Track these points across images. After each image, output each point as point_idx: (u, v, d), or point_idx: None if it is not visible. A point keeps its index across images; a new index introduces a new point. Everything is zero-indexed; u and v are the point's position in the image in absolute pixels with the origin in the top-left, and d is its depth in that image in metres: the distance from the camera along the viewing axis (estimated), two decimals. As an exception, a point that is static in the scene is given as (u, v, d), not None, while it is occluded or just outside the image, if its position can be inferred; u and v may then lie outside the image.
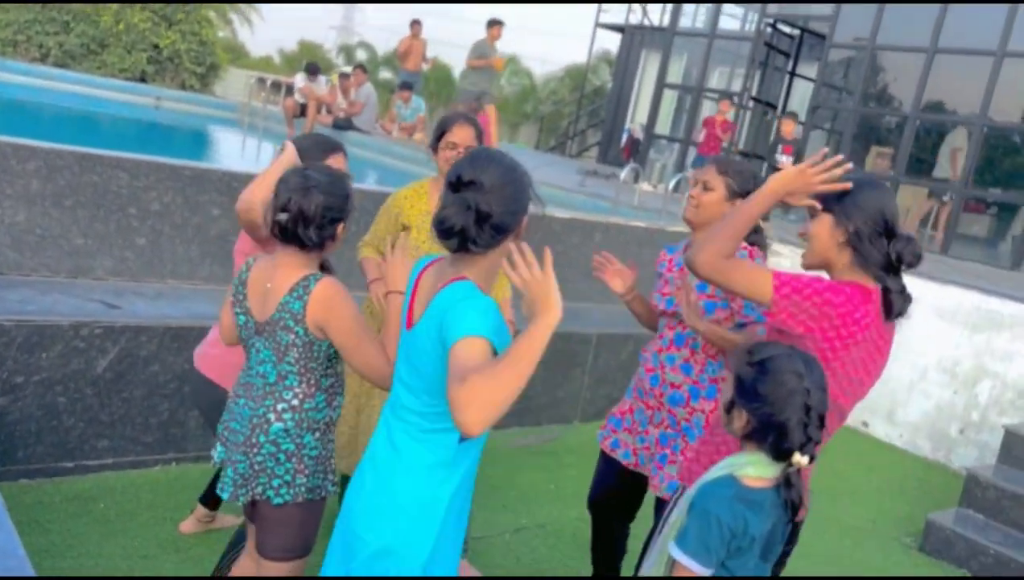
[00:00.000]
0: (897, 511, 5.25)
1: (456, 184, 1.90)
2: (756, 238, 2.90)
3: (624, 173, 8.94)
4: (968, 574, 4.53)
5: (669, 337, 2.93)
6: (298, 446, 2.27)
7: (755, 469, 1.94)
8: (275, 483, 2.25)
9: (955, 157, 9.98)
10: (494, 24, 11.04)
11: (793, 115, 10.26)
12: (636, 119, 17.42)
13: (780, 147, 9.38)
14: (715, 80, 14.83)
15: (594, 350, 5.55)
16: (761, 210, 2.23)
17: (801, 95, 12.75)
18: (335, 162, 2.78)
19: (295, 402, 2.27)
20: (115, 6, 14.25)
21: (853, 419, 6.82)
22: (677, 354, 2.89)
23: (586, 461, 3.66)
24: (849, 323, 2.12)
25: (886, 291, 2.17)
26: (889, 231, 2.20)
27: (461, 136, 3.13)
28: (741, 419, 1.95)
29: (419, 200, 3.27)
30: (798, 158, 9.13)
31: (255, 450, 2.27)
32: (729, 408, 1.98)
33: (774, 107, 13.43)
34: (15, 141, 4.00)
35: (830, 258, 2.24)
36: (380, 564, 1.94)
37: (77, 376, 3.61)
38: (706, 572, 1.90)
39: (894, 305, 2.18)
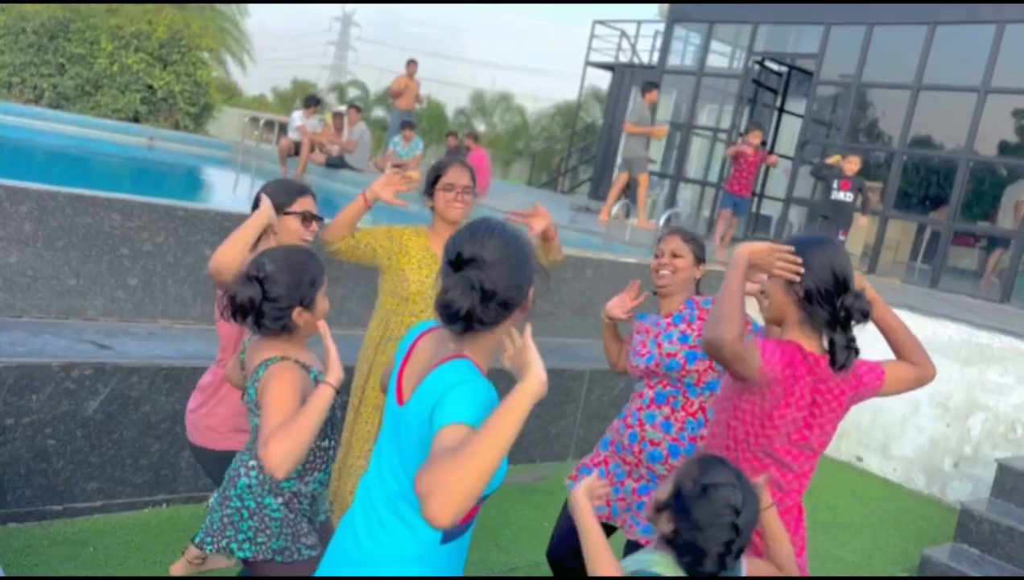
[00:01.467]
0: (893, 546, 5.23)
1: (456, 262, 1.78)
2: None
3: (615, 209, 9.01)
4: None
5: (649, 395, 2.96)
6: (259, 505, 2.28)
7: (663, 569, 1.95)
8: (239, 537, 2.27)
9: (1019, 208, 10.01)
10: (651, 88, 10.66)
11: (856, 153, 9.56)
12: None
13: (837, 182, 9.02)
14: (704, 117, 15.01)
15: (587, 386, 5.55)
16: (742, 281, 2.29)
17: (790, 131, 12.89)
18: (303, 204, 2.83)
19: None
20: (111, 48, 14.37)
21: (847, 454, 6.81)
22: (658, 412, 2.92)
23: (579, 499, 3.64)
24: (784, 381, 2.25)
25: (831, 344, 2.30)
26: (840, 286, 2.30)
27: (457, 177, 3.17)
28: (668, 526, 1.96)
29: (419, 238, 3.32)
30: (856, 196, 9.00)
31: (227, 502, 2.31)
32: (660, 508, 1.99)
33: (764, 144, 13.57)
34: (8, 184, 4.02)
35: (784, 314, 2.36)
36: None
37: (67, 418, 3.60)
38: None
39: (837, 358, 2.29)
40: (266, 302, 2.23)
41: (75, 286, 4.20)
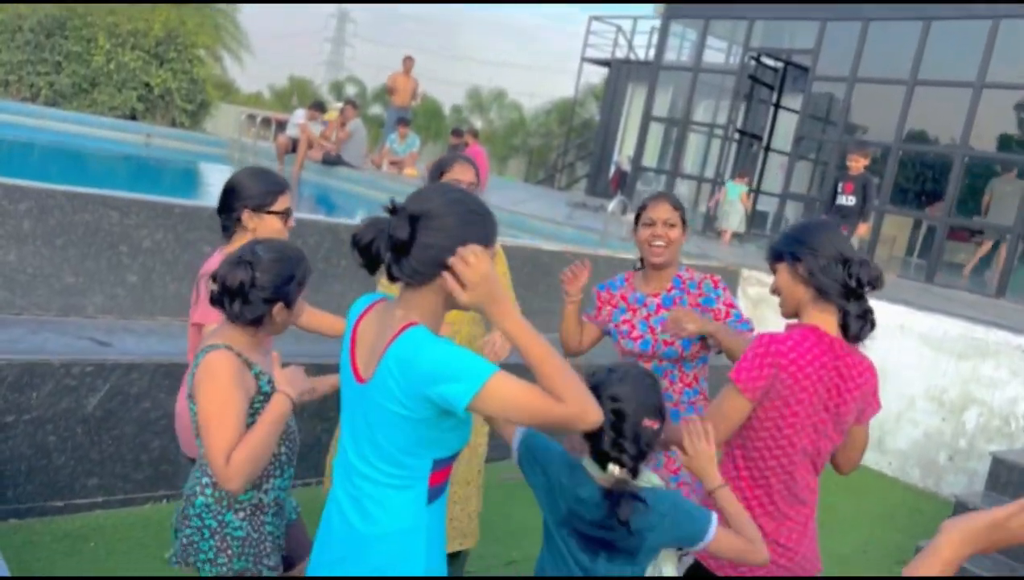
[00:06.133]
0: (888, 539, 5.27)
1: (391, 209, 1.79)
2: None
3: (612, 205, 9.03)
4: None
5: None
6: (220, 523, 2.21)
7: (589, 466, 2.03)
8: (201, 558, 2.20)
9: (987, 203, 9.95)
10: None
11: (863, 145, 8.83)
12: (624, 151, 17.63)
13: (841, 185, 8.26)
14: (701, 113, 15.04)
15: (585, 379, 5.57)
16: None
17: (786, 127, 12.92)
18: (283, 203, 2.75)
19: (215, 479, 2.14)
20: (107, 45, 14.36)
21: (843, 447, 6.84)
22: None
23: (576, 493, 3.66)
24: (798, 367, 2.22)
25: (844, 315, 2.26)
26: (843, 258, 2.27)
27: (462, 173, 3.19)
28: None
29: None
30: (860, 199, 8.12)
31: (186, 523, 2.23)
32: None
33: (759, 139, 13.61)
34: (7, 182, 4.04)
35: (798, 300, 2.33)
36: None
37: (68, 414, 3.62)
38: (514, 454, 2.13)
39: (851, 327, 2.25)
40: (252, 289, 2.15)
41: (74, 284, 4.23)
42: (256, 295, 2.15)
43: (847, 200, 8.22)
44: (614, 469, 1.95)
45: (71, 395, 3.61)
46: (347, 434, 1.89)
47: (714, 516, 2.04)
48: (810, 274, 2.27)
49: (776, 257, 2.36)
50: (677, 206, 3.02)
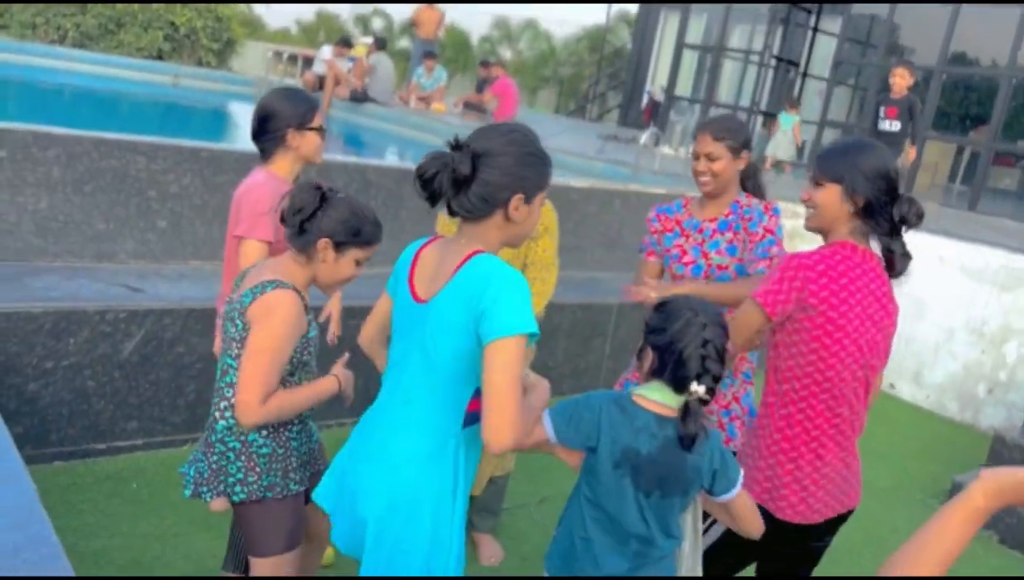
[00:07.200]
0: (923, 472, 5.24)
1: (453, 145, 1.87)
2: (752, 185, 3.02)
3: (644, 137, 8.86)
4: (995, 536, 4.52)
5: None
6: (243, 443, 2.23)
7: (652, 393, 2.03)
8: (230, 481, 2.23)
9: None
10: None
11: (907, 64, 7.98)
12: (656, 81, 17.22)
13: (883, 109, 7.59)
14: (736, 39, 14.60)
15: (615, 319, 5.55)
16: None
17: (824, 51, 12.52)
18: (319, 119, 2.76)
19: (235, 399, 2.16)
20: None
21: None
22: None
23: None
24: (831, 279, 2.20)
25: (889, 252, 2.26)
26: (893, 193, 2.23)
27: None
28: (648, 358, 2.05)
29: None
30: (906, 123, 7.57)
31: (211, 450, 2.26)
32: (640, 354, 2.09)
33: (796, 65, 13.21)
34: (35, 129, 4.04)
35: (835, 219, 2.28)
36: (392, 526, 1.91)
37: (104, 360, 3.68)
38: (551, 433, 2.04)
39: (896, 265, 2.26)
40: (313, 217, 2.17)
41: (105, 230, 4.25)
42: (312, 225, 2.16)
43: (891, 125, 7.69)
44: (698, 388, 1.97)
45: (107, 341, 3.67)
46: (397, 352, 1.99)
47: (742, 472, 2.09)
48: (867, 206, 2.23)
49: (835, 177, 2.26)
50: (720, 136, 2.88)
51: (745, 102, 12.94)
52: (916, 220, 2.23)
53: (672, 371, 1.98)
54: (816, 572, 2.51)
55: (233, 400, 2.19)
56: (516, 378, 1.77)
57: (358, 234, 2.22)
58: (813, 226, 2.34)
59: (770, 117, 12.01)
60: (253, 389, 2.09)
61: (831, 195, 2.26)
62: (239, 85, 13.59)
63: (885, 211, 2.22)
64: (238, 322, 2.18)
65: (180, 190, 4.42)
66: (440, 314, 1.86)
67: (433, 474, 1.92)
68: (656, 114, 15.13)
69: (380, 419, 2.01)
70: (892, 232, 2.25)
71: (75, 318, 3.58)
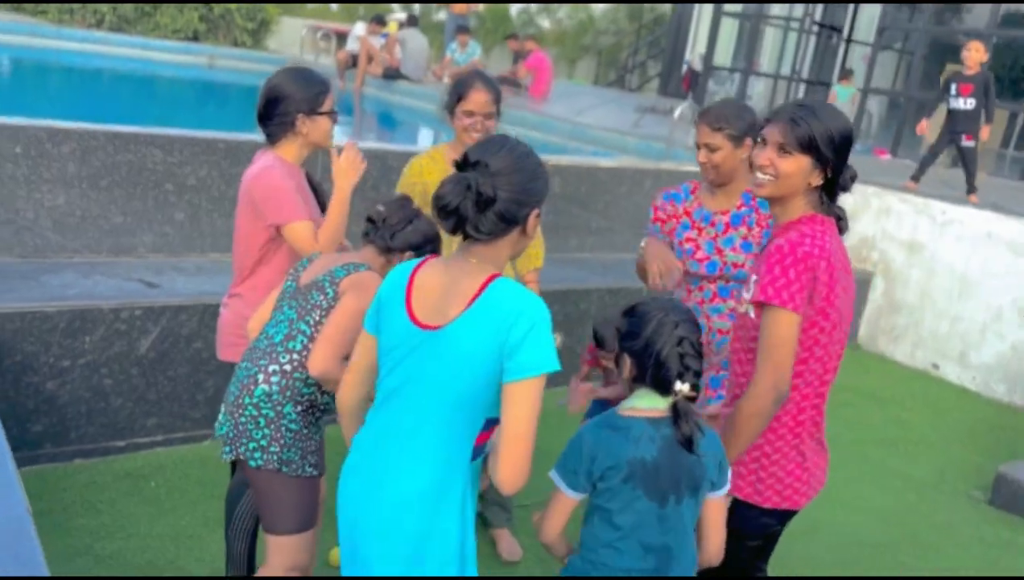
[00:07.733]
0: (967, 462, 5.03)
1: (462, 164, 1.82)
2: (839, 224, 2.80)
3: (679, 111, 8.61)
4: (983, 497, 4.33)
5: (712, 289, 2.88)
6: (278, 414, 2.25)
7: (639, 402, 2.03)
8: (251, 446, 2.25)
9: None
10: None
11: (981, 38, 7.53)
12: (696, 49, 16.82)
13: (956, 86, 7.09)
14: (776, 5, 14.15)
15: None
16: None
17: (868, 16, 12.07)
18: (330, 103, 2.70)
19: (287, 367, 2.25)
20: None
21: (923, 362, 6.55)
22: (723, 305, 2.87)
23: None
24: (829, 263, 2.15)
25: (839, 220, 2.24)
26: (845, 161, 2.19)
27: (478, 103, 2.97)
28: (627, 365, 2.05)
29: (435, 167, 3.13)
30: (981, 101, 7.04)
31: (240, 411, 2.27)
32: (617, 361, 2.09)
33: (839, 31, 12.77)
34: (49, 124, 4.02)
35: (795, 196, 2.18)
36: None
37: (121, 357, 3.67)
38: (571, 493, 2.04)
39: (846, 223, 2.27)
40: (401, 231, 2.40)
41: (123, 224, 4.24)
42: (401, 239, 2.39)
43: (965, 103, 7.09)
44: (683, 387, 1.97)
45: (123, 339, 3.65)
46: (394, 382, 1.87)
47: (730, 469, 2.13)
48: (831, 183, 2.18)
49: (806, 147, 2.12)
50: (718, 126, 2.71)
51: (786, 71, 12.55)
52: (850, 184, 2.24)
53: (653, 374, 1.99)
54: (857, 571, 2.45)
55: (287, 366, 2.26)
56: (537, 417, 1.78)
57: (429, 241, 2.45)
58: (767, 194, 2.19)
59: (821, 86, 11.64)
60: (330, 347, 2.18)
61: (799, 165, 2.13)
62: (274, 64, 13.56)
63: (840, 179, 2.20)
64: (328, 290, 2.28)
65: (197, 182, 4.38)
66: (459, 342, 1.78)
67: (443, 510, 1.84)
68: (695, 84, 14.77)
69: (382, 452, 1.89)
70: (834, 196, 2.23)
71: (90, 316, 3.57)
